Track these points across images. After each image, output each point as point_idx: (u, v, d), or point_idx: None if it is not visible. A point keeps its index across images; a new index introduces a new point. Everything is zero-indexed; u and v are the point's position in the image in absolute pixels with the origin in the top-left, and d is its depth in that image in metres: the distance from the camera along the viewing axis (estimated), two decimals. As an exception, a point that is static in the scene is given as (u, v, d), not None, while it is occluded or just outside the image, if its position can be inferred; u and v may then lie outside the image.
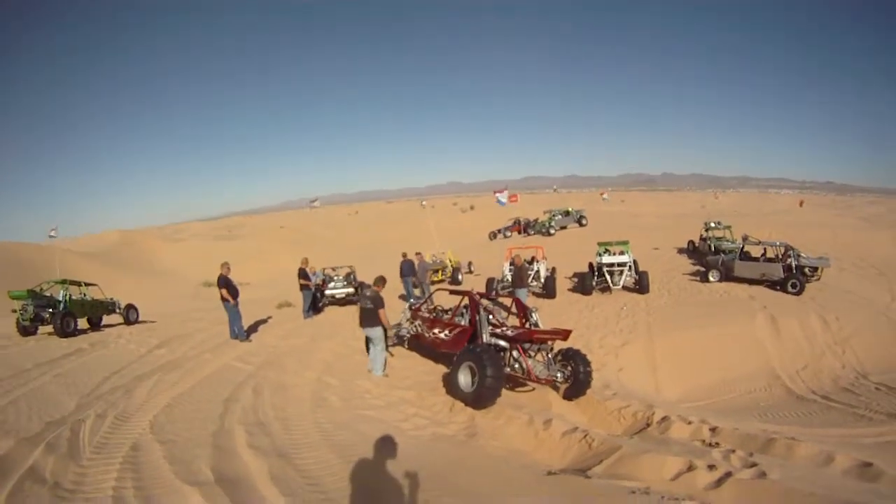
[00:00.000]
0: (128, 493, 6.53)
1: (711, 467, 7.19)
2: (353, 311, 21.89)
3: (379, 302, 12.90)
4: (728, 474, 6.97)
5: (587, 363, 11.81)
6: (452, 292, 15.48)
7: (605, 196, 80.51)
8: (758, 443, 8.39)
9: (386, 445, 8.16)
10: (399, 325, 14.67)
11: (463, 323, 13.15)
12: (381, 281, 13.23)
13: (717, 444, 8.56)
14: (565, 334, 11.48)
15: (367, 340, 13.84)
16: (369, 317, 12.86)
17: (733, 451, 7.84)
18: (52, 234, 30.93)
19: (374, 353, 13.17)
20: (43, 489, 6.59)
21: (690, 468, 7.25)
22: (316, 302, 22.98)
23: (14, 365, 13.91)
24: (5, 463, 7.19)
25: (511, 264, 23.27)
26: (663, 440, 8.95)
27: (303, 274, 21.66)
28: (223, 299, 16.43)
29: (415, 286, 23.98)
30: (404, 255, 24.40)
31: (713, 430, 9.22)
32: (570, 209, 56.36)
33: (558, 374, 11.84)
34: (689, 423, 9.66)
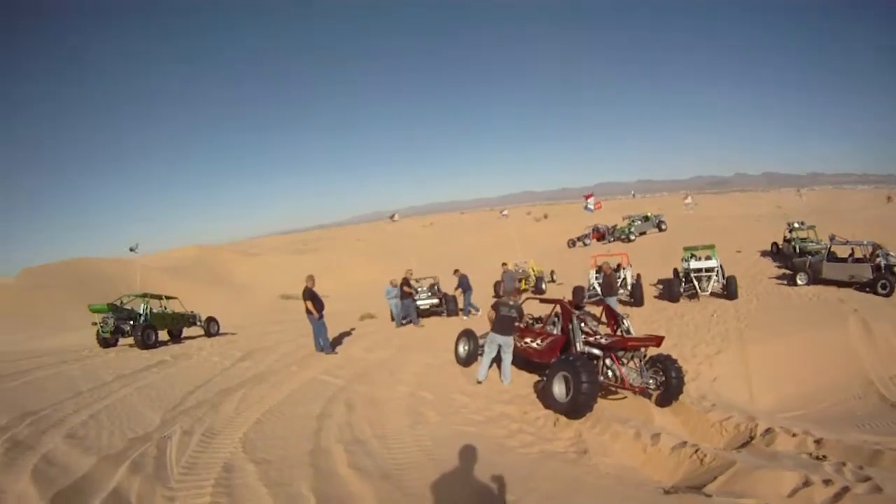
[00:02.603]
0: (222, 520, 5.92)
1: (827, 482, 6.73)
2: (438, 322, 21.97)
3: (521, 313, 13.09)
4: (845, 489, 6.53)
5: (679, 369, 11.54)
6: (543, 301, 15.13)
7: (687, 200, 79.14)
8: (864, 455, 7.98)
9: (494, 464, 7.68)
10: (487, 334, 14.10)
11: (555, 332, 12.89)
12: (516, 291, 13.30)
13: (824, 456, 8.14)
14: (658, 340, 11.32)
15: (465, 345, 14.55)
16: (509, 325, 12.65)
17: (844, 465, 7.37)
18: (133, 249, 31.24)
19: (505, 362, 12.84)
20: None
21: (807, 483, 6.79)
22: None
23: (95, 377, 13.65)
24: (87, 483, 6.66)
25: (598, 272, 23.06)
26: (772, 454, 8.40)
27: (406, 283, 21.59)
28: (308, 312, 15.97)
29: (500, 296, 23.66)
30: (456, 271, 24.13)
31: (818, 441, 8.78)
32: (649, 214, 55.83)
33: (650, 381, 11.57)
34: (794, 435, 9.18)
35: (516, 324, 12.95)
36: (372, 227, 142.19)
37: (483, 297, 27.30)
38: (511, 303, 12.83)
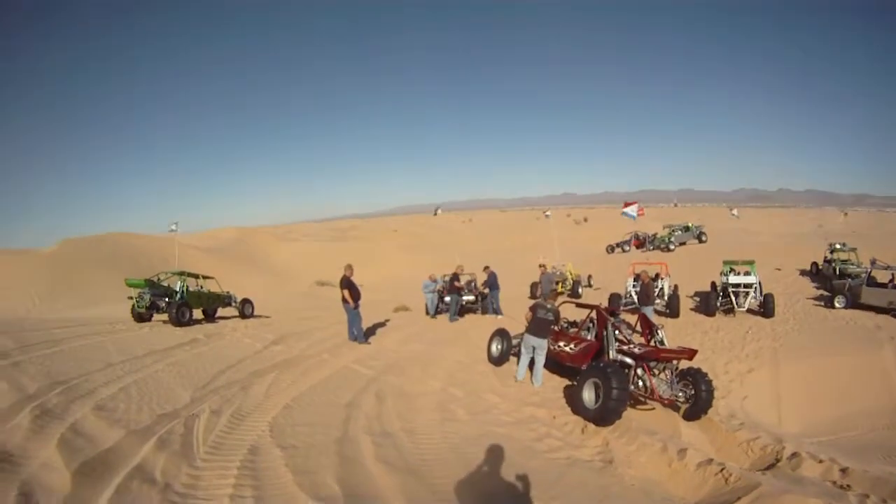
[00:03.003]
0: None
1: (850, 513, 6.75)
2: (472, 319, 21.83)
3: (558, 316, 13.04)
4: (866, 520, 6.59)
5: (709, 383, 11.39)
6: (579, 305, 15.26)
7: (734, 212, 78.22)
8: (889, 488, 7.60)
9: (521, 467, 7.72)
10: (523, 335, 13.93)
11: (589, 337, 12.80)
12: (554, 294, 13.69)
13: (848, 486, 7.95)
14: (691, 354, 11.16)
15: (499, 344, 14.42)
16: (544, 328, 12.59)
17: (867, 497, 7.23)
18: (173, 227, 31.57)
19: (537, 364, 12.75)
20: (152, 490, 6.01)
21: (830, 512, 6.70)
22: (437, 307, 22.80)
23: (127, 350, 13.67)
24: (112, 456, 6.68)
25: (636, 280, 22.89)
26: (797, 479, 8.24)
27: (456, 278, 21.87)
28: (344, 301, 15.98)
29: (535, 297, 23.36)
30: (486, 268, 23.60)
31: (843, 470, 8.46)
32: (689, 224, 55.01)
33: (680, 394, 11.46)
34: (820, 461, 8.85)
35: (552, 327, 12.86)
36: (411, 219, 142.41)
37: (519, 297, 27.26)
38: (549, 305, 12.69)
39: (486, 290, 23.02)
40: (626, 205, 27.19)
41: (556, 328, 13.44)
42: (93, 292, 36.40)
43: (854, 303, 22.93)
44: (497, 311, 22.28)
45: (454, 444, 8.53)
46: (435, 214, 47.35)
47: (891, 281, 22.74)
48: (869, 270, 23.48)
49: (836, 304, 23.27)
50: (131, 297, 19.48)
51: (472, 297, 23.38)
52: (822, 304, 24.25)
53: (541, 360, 12.62)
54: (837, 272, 29.21)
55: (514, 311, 21.29)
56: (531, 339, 12.49)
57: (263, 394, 10.56)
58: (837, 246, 32.71)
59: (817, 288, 29.11)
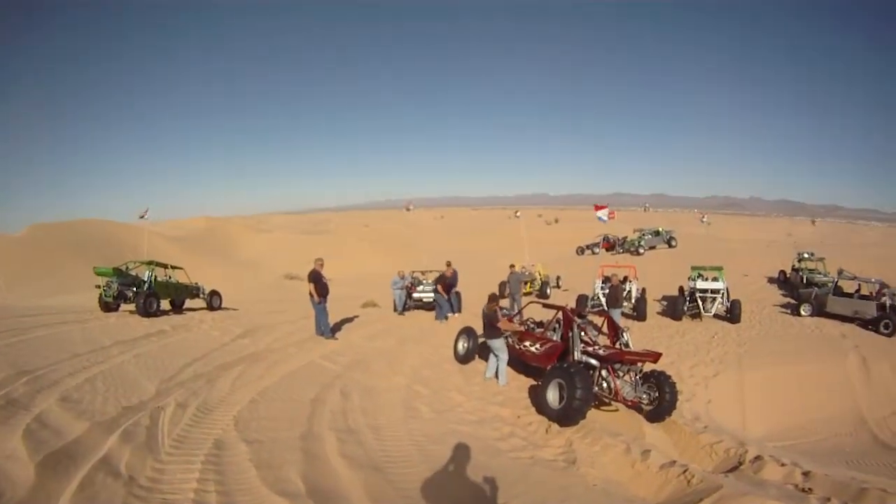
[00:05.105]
0: (210, 498, 5.97)
1: (811, 515, 6.78)
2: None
3: (493, 318, 12.86)
4: (827, 523, 6.61)
5: (673, 385, 11.48)
6: (546, 306, 15.21)
7: (704, 219, 79.42)
8: (850, 492, 7.87)
9: (485, 466, 7.79)
10: None
11: (555, 338, 12.73)
12: (493, 299, 13.35)
13: (810, 489, 8.12)
14: (655, 357, 11.24)
15: (465, 342, 14.64)
16: (487, 327, 12.95)
17: (829, 500, 7.37)
18: (144, 215, 31.32)
19: (500, 364, 12.96)
20: (116, 484, 6.00)
21: (791, 514, 6.76)
22: (405, 304, 22.81)
23: (93, 340, 13.60)
24: (77, 448, 6.65)
25: (604, 282, 22.95)
26: (759, 482, 8.38)
27: (443, 278, 21.35)
28: (311, 295, 15.94)
29: (503, 297, 23.16)
30: (448, 264, 22.59)
31: (806, 474, 8.64)
32: (660, 229, 55.28)
33: (644, 396, 11.56)
34: (783, 464, 9.07)
35: (515, 328, 13.34)
36: (384, 214, 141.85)
37: (482, 297, 27.24)
38: (484, 310, 13.03)
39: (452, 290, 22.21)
40: (598, 208, 27.39)
41: (514, 329, 13.60)
42: (62, 279, 36.16)
43: (820, 311, 23.25)
44: (442, 314, 21.86)
45: (418, 441, 8.59)
46: (407, 210, 46.54)
47: (856, 291, 23.15)
48: (836, 280, 23.76)
49: (802, 312, 23.58)
50: (99, 286, 19.25)
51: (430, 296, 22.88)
52: (789, 311, 24.61)
53: (500, 358, 12.82)
54: (804, 281, 29.65)
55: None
56: (488, 342, 12.97)
57: (229, 387, 10.55)
58: (805, 255, 33.19)
59: (784, 295, 29.57)
